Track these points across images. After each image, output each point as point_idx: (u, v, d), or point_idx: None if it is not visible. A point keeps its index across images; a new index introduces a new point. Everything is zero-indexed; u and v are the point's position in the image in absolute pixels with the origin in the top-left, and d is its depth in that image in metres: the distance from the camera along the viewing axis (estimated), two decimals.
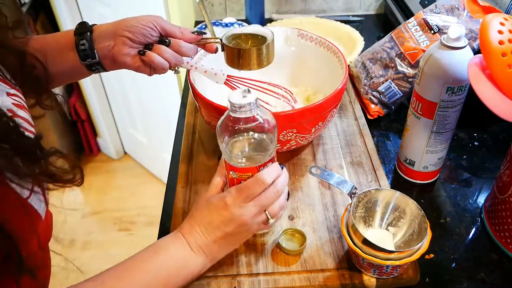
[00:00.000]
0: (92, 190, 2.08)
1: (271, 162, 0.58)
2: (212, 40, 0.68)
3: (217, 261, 0.60)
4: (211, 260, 0.58)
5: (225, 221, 0.56)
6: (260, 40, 0.69)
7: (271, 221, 0.57)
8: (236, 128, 0.55)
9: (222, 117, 0.56)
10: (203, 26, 1.14)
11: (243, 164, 0.57)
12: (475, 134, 0.87)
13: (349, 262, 0.62)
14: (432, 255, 0.65)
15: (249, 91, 0.54)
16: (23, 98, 0.55)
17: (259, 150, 0.57)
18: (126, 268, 0.55)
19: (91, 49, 0.64)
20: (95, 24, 0.66)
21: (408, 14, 1.13)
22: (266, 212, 0.57)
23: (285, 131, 0.70)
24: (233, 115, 0.54)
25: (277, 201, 0.57)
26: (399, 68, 0.87)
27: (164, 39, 0.65)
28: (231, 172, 0.58)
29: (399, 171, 0.79)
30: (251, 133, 0.56)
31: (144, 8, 1.48)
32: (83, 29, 0.65)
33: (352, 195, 0.63)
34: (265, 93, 0.80)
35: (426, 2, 1.06)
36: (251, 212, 0.56)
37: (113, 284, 0.53)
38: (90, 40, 0.64)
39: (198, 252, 0.57)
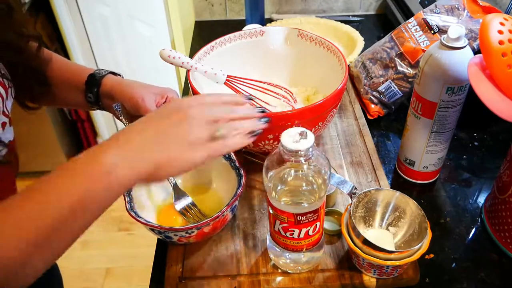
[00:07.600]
0: None
1: (314, 216, 0.54)
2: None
3: (131, 166, 0.42)
4: (123, 158, 0.42)
5: (167, 108, 0.46)
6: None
7: (219, 132, 0.46)
8: (283, 162, 0.51)
9: (273, 153, 0.52)
10: None
11: (280, 204, 0.54)
12: (475, 134, 0.87)
13: (349, 262, 0.62)
14: (432, 255, 0.65)
15: (306, 133, 0.48)
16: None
17: (301, 195, 0.54)
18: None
19: (97, 102, 0.69)
20: (107, 73, 0.68)
21: (408, 14, 1.13)
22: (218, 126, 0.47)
23: None
24: (285, 158, 0.50)
25: (235, 122, 0.48)
26: (399, 68, 0.87)
27: None
28: (269, 207, 0.56)
29: (399, 171, 0.79)
30: (299, 172, 0.53)
31: (143, 8, 1.48)
32: (91, 82, 0.67)
33: (352, 195, 0.63)
34: (265, 93, 0.80)
35: (426, 2, 1.06)
36: (201, 111, 0.46)
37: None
38: (97, 95, 0.68)
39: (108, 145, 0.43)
